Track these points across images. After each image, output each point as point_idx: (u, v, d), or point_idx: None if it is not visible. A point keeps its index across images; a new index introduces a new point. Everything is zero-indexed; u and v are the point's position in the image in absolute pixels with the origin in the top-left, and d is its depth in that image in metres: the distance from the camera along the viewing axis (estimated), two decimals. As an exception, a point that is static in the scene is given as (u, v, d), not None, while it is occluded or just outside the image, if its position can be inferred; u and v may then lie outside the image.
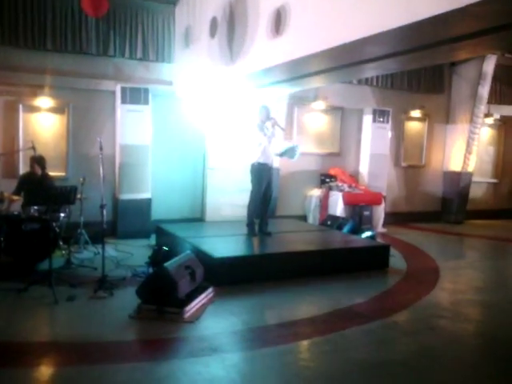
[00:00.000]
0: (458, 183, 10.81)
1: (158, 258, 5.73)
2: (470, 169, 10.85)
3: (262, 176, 6.71)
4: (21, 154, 7.30)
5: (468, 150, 10.72)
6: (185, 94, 8.26)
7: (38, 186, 6.12)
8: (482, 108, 10.65)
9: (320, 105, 9.70)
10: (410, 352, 3.95)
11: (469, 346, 4.20)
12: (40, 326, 4.31)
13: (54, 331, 4.25)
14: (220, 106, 8.60)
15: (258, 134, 6.69)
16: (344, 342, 4.09)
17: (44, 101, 7.61)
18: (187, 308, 4.42)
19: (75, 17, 7.54)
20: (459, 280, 6.24)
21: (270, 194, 6.93)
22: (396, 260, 6.86)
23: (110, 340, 3.93)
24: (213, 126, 8.66)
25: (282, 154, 7.15)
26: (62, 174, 7.71)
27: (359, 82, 9.78)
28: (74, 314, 4.51)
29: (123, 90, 7.76)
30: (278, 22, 5.34)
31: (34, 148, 6.27)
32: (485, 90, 10.53)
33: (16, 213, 5.91)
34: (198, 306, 4.63)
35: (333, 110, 9.93)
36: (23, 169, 7.19)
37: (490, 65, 10.38)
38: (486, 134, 11.75)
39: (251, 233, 6.78)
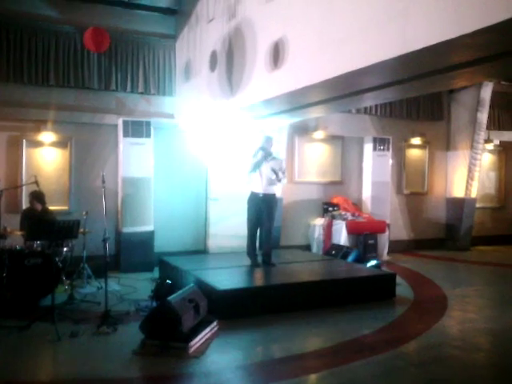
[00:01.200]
0: (462, 209, 10.77)
1: (161, 292, 5.67)
2: (473, 194, 10.82)
3: (253, 206, 6.65)
4: (24, 188, 7.30)
5: (470, 176, 10.72)
6: (186, 126, 8.34)
7: (38, 221, 6.09)
8: (482, 134, 10.70)
9: (320, 134, 9.77)
10: (418, 383, 3.86)
11: (479, 377, 4.08)
12: (42, 364, 4.24)
13: (56, 369, 4.18)
14: (221, 138, 8.67)
15: (249, 163, 6.66)
16: (351, 375, 3.99)
17: (47, 135, 7.69)
18: (192, 343, 4.34)
19: (77, 53, 7.70)
20: (467, 308, 6.13)
21: (268, 225, 6.71)
22: (402, 289, 6.77)
23: (113, 377, 3.85)
24: (214, 157, 8.71)
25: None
26: (65, 207, 7.73)
27: (358, 111, 9.87)
28: (77, 350, 4.42)
29: (125, 123, 7.84)
30: (276, 54, 5.42)
31: (36, 182, 6.30)
32: (484, 117, 10.61)
33: (18, 247, 5.88)
34: (202, 341, 4.55)
35: (333, 139, 10.00)
36: (26, 203, 7.17)
37: (487, 91, 10.49)
38: (486, 159, 11.78)
39: (253, 263, 6.72)
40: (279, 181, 6.71)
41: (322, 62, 4.81)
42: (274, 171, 6.59)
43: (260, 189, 6.64)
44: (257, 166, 6.60)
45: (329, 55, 4.72)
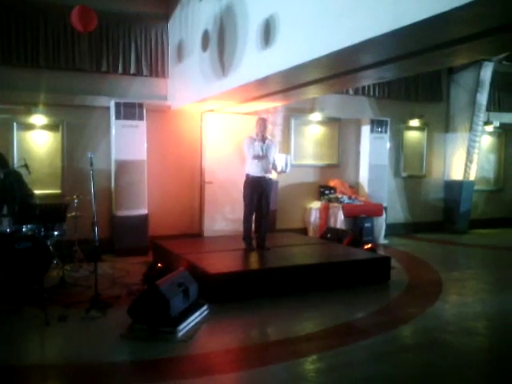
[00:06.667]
0: (460, 192, 10.68)
1: (152, 276, 5.63)
2: (472, 177, 10.72)
3: (252, 189, 6.54)
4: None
5: (469, 159, 10.60)
6: (179, 108, 8.20)
7: (24, 204, 5.85)
8: (482, 116, 10.55)
9: (317, 116, 9.63)
10: (410, 368, 3.82)
11: (473, 362, 4.01)
12: (29, 349, 4.19)
13: (43, 354, 4.16)
14: (215, 120, 8.54)
15: (249, 146, 6.56)
16: (342, 359, 3.95)
17: (38, 118, 7.58)
18: (180, 327, 4.31)
19: (68, 33, 7.53)
20: (463, 292, 6.06)
21: (266, 209, 6.69)
22: (397, 272, 6.71)
23: (101, 361, 3.82)
24: (208, 139, 8.58)
25: (283, 170, 6.95)
26: (58, 191, 7.63)
27: (356, 92, 9.71)
28: (65, 335, 4.40)
29: (117, 105, 7.70)
30: (268, 32, 5.27)
31: (26, 165, 6.19)
32: (483, 98, 10.44)
33: (8, 231, 5.78)
34: (192, 325, 4.52)
35: (330, 121, 9.86)
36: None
37: (487, 72, 10.31)
38: (486, 141, 11.63)
39: (248, 247, 6.65)
40: (279, 170, 6.86)
41: (314, 39, 4.66)
42: (274, 162, 6.72)
43: (259, 172, 6.54)
44: (257, 155, 6.50)
45: (321, 32, 4.56)
